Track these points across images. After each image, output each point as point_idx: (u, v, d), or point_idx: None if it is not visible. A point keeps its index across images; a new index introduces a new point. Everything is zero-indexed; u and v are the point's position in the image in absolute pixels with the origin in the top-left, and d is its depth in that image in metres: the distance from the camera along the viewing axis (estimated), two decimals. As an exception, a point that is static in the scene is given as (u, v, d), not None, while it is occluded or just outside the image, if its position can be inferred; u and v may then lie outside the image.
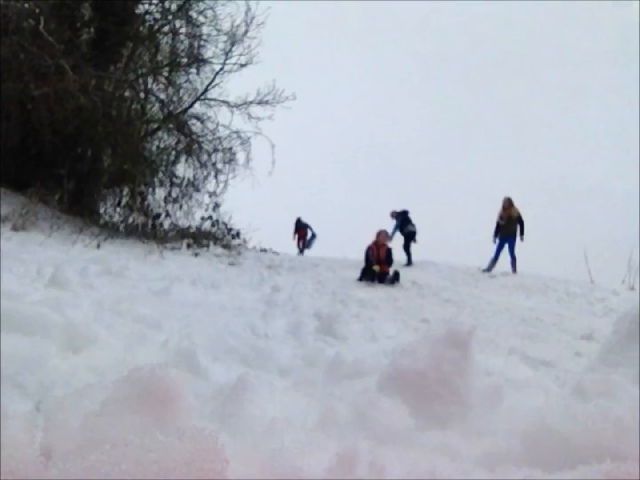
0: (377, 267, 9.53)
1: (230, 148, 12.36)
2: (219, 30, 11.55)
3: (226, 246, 11.37)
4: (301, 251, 17.04)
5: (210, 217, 12.51)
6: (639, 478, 0.67)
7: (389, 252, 10.16)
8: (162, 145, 12.41)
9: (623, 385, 1.07)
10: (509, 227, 11.49)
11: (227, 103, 12.10)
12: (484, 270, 11.42)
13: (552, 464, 0.79)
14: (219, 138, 12.36)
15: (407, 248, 12.52)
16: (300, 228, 17.75)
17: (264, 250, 12.96)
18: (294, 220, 17.99)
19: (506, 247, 11.60)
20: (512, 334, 4.90)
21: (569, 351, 4.10)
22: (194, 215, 12.47)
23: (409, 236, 12.46)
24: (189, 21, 11.51)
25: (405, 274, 9.97)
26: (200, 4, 11.40)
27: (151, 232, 10.69)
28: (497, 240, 11.66)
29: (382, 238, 10.38)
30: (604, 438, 0.80)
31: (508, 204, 11.58)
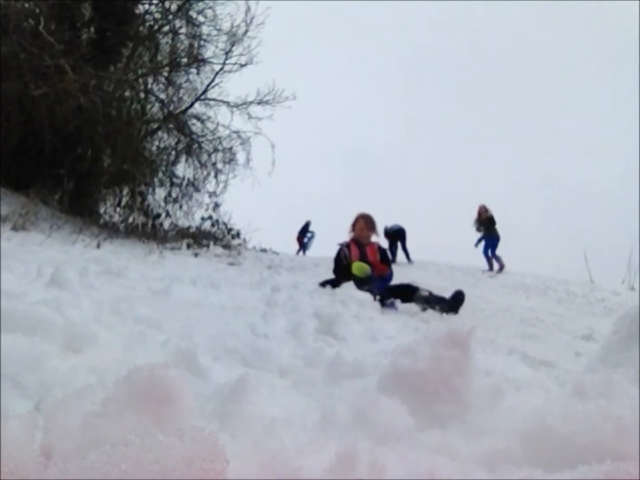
0: (360, 265, 6.01)
1: (230, 148, 12.37)
2: (219, 30, 11.56)
3: (226, 246, 11.37)
4: (297, 252, 17.43)
5: (210, 217, 12.52)
6: (639, 478, 0.67)
7: (382, 251, 6.51)
8: (162, 145, 12.42)
9: (623, 385, 1.07)
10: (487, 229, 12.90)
11: (227, 103, 12.10)
12: (491, 271, 11.95)
13: (552, 464, 0.79)
14: (219, 138, 12.37)
15: (403, 247, 12.99)
16: (300, 233, 18.19)
17: (263, 250, 12.95)
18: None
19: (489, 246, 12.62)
20: (512, 334, 4.89)
21: (569, 351, 4.10)
22: (194, 215, 12.50)
23: (397, 234, 12.98)
24: (189, 21, 11.51)
25: (405, 274, 9.95)
26: (200, 3, 11.40)
27: (151, 232, 10.69)
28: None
29: (361, 229, 6.31)
30: (604, 438, 0.80)
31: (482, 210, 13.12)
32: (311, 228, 18.36)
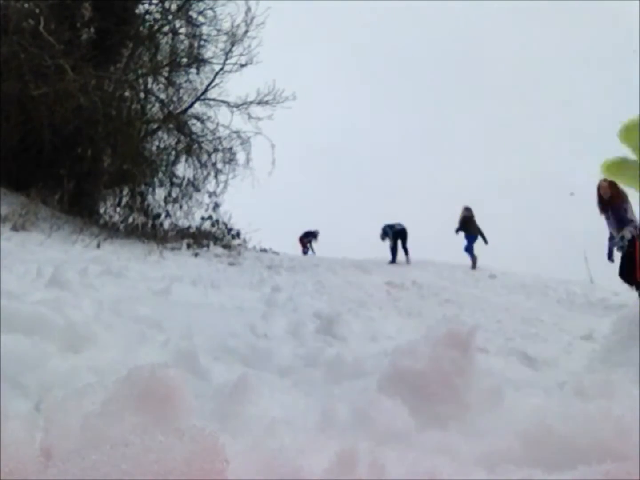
0: None
1: (230, 148, 12.37)
2: (219, 30, 11.56)
3: (226, 246, 11.36)
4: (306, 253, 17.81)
5: (210, 217, 12.51)
6: (639, 478, 0.67)
7: None
8: (162, 145, 12.41)
9: (623, 385, 1.07)
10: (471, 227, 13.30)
11: (227, 103, 12.10)
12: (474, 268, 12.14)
13: (552, 464, 0.79)
14: (219, 138, 12.37)
15: (403, 246, 13.09)
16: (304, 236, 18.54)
17: (264, 251, 12.95)
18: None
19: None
20: (512, 333, 4.90)
21: (569, 351, 4.10)
22: (194, 215, 12.48)
23: (401, 234, 13.13)
24: (189, 21, 11.51)
25: (405, 274, 9.95)
26: (200, 4, 11.40)
27: (151, 232, 10.68)
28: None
29: None
30: (604, 438, 0.79)
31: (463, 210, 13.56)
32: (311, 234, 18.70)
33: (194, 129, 12.32)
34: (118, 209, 11.71)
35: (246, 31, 11.41)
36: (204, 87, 12.12)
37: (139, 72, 11.43)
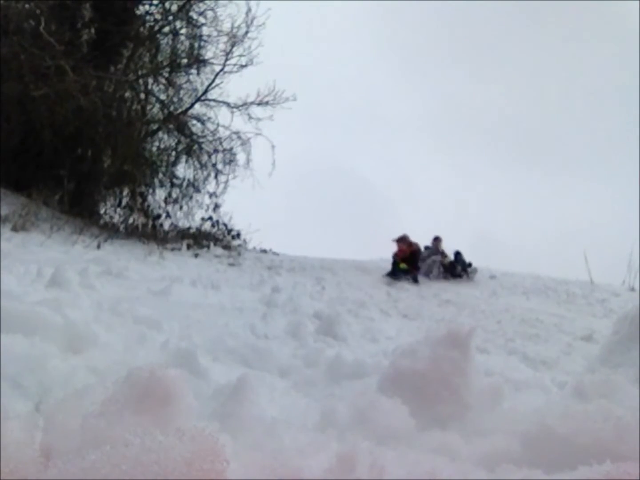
0: None
1: (231, 149, 12.35)
2: (219, 31, 11.56)
3: (226, 247, 11.36)
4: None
5: (210, 218, 12.51)
6: (639, 478, 0.67)
7: None
8: (162, 146, 12.41)
9: (623, 386, 1.07)
10: None
11: (227, 104, 12.10)
12: None
13: (552, 464, 0.79)
14: (219, 139, 12.36)
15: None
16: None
17: (264, 251, 12.95)
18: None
19: None
20: (512, 334, 4.90)
21: (569, 352, 4.10)
22: (194, 216, 12.47)
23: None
24: (190, 22, 11.52)
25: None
26: (201, 4, 11.41)
27: (151, 232, 10.67)
28: None
29: None
30: (604, 438, 0.79)
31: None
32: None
33: (194, 129, 12.33)
34: (118, 210, 11.71)
35: (246, 32, 11.42)
36: (204, 87, 12.12)
37: (140, 72, 11.43)
